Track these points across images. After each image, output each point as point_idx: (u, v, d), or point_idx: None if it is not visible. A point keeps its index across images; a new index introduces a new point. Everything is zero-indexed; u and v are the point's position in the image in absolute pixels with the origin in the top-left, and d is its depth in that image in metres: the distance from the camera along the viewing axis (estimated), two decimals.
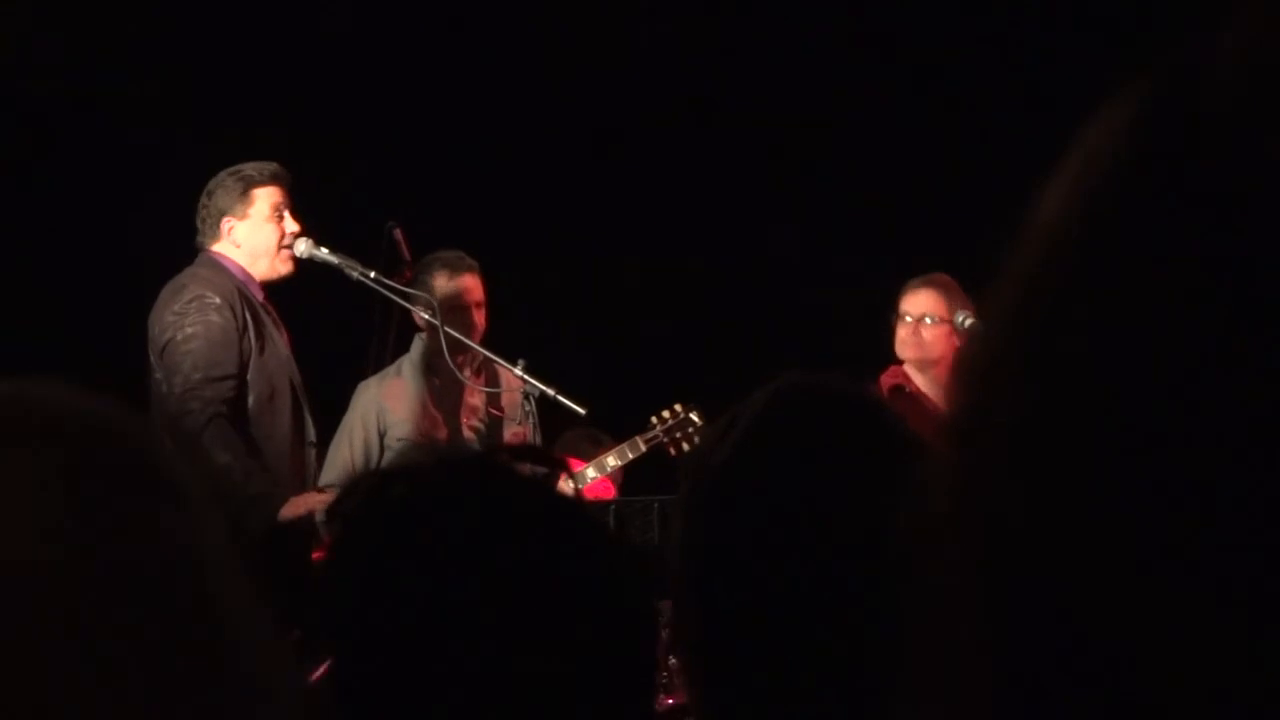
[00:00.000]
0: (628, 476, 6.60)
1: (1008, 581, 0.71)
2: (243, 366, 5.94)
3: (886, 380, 6.52)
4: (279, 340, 6.11)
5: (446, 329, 6.34)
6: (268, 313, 6.11)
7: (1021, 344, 0.72)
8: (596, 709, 1.63)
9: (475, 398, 6.62)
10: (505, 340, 6.47)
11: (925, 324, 6.53)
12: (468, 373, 6.55)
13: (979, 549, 0.72)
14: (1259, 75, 0.70)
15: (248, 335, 5.96)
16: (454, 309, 6.44)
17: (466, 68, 8.28)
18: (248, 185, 6.13)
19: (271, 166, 6.18)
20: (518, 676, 1.59)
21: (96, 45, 7.56)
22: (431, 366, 6.54)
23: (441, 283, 6.45)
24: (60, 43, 7.52)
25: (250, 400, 5.94)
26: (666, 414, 6.53)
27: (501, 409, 6.63)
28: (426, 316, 6.45)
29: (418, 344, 6.62)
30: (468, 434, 6.55)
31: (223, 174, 6.16)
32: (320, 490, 5.97)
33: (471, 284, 6.50)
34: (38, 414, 1.11)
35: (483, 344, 6.43)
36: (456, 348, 6.37)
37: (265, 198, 6.13)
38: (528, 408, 6.43)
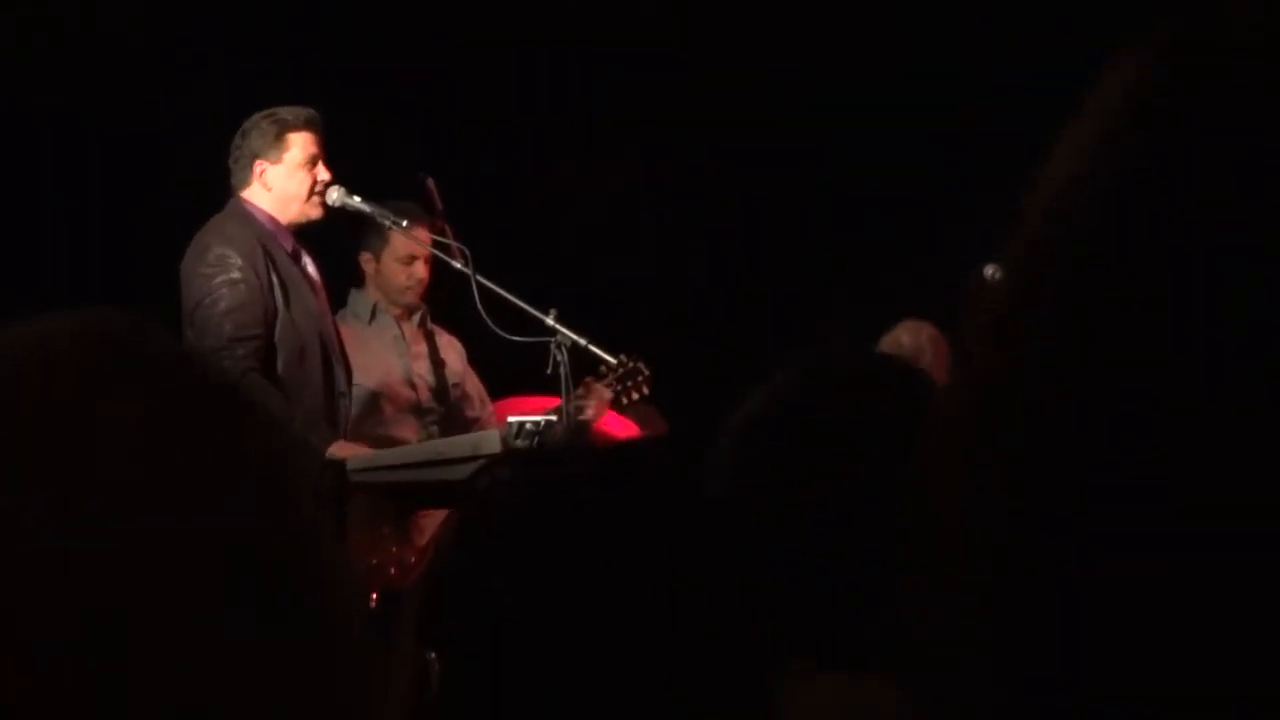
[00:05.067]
0: None
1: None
2: (269, 325, 5.96)
3: None
4: (307, 294, 6.11)
5: (478, 278, 6.36)
6: (296, 263, 6.12)
7: (1041, 293, 0.71)
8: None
9: (420, 345, 6.70)
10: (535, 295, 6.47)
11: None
12: (406, 326, 6.73)
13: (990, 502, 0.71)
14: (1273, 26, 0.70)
15: (274, 293, 5.98)
16: (409, 259, 6.62)
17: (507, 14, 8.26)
18: (282, 129, 6.12)
19: (306, 112, 6.17)
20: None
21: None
22: (376, 315, 6.70)
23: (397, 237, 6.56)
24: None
25: (280, 358, 5.98)
26: (615, 363, 6.51)
27: (442, 359, 6.75)
28: (458, 265, 6.46)
29: (361, 294, 6.74)
30: (417, 381, 6.66)
31: (257, 116, 6.15)
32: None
33: (424, 238, 6.56)
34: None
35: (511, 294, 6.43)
36: (485, 298, 6.39)
37: (299, 143, 6.12)
38: (559, 357, 6.43)
